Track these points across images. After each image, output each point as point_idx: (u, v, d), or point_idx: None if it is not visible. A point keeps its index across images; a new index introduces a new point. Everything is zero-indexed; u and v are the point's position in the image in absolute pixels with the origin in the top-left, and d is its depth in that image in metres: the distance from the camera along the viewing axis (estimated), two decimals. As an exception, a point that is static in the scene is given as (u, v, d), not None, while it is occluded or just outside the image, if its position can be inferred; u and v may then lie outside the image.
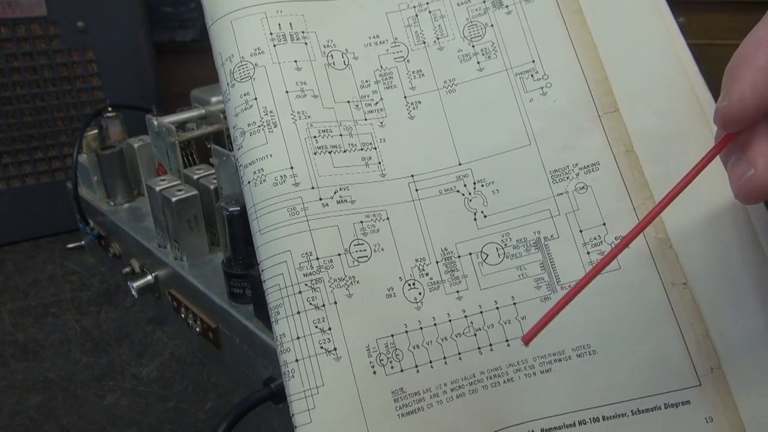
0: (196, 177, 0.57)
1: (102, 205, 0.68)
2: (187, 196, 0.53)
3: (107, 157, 0.66)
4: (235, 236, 0.48)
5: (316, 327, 0.29)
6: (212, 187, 0.55)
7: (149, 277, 0.58)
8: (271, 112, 0.31)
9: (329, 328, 0.29)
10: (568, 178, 0.31)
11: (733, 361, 0.29)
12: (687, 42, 0.32)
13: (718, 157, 0.26)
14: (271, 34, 0.32)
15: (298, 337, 0.28)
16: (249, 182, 0.31)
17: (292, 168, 0.30)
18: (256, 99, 0.31)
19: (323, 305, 0.29)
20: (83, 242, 0.75)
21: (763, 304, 0.29)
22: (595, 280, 0.30)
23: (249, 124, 0.31)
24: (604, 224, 0.31)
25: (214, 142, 0.60)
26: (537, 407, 0.29)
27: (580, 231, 0.31)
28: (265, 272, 0.30)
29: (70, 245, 0.75)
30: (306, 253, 0.29)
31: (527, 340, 0.25)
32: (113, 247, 0.66)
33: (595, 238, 0.31)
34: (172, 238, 0.55)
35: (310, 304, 0.29)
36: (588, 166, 0.31)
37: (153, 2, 0.88)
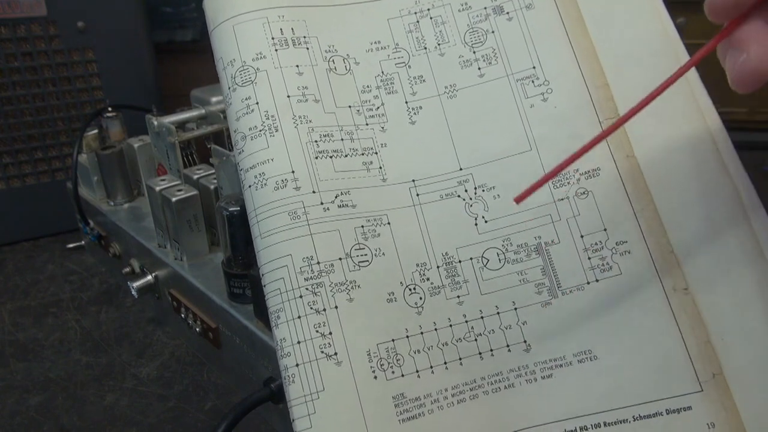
0: (196, 177, 0.57)
1: (102, 205, 0.68)
2: (187, 196, 0.53)
3: (107, 157, 0.66)
4: (235, 236, 0.48)
5: (317, 331, 0.29)
6: (212, 187, 0.55)
7: (149, 277, 0.58)
8: (272, 116, 0.31)
9: (330, 333, 0.29)
10: (568, 183, 0.31)
11: (734, 367, 0.29)
12: (686, 42, 0.32)
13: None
14: (272, 38, 0.32)
15: (298, 342, 0.28)
16: (250, 186, 0.31)
17: (293, 172, 0.31)
18: (257, 103, 0.31)
19: (324, 309, 0.29)
20: (83, 242, 0.75)
21: (765, 310, 0.29)
22: (597, 285, 0.30)
23: (250, 129, 0.31)
24: (605, 230, 0.31)
25: (214, 142, 0.60)
26: (538, 413, 0.29)
27: (581, 236, 0.31)
28: (265, 276, 0.30)
29: (70, 245, 0.75)
30: (307, 258, 0.29)
31: (518, 200, 0.27)
32: (113, 247, 0.65)
33: (596, 244, 0.31)
34: (172, 238, 0.55)
35: (311, 308, 0.29)
36: (589, 171, 0.31)
37: (153, 2, 0.88)
